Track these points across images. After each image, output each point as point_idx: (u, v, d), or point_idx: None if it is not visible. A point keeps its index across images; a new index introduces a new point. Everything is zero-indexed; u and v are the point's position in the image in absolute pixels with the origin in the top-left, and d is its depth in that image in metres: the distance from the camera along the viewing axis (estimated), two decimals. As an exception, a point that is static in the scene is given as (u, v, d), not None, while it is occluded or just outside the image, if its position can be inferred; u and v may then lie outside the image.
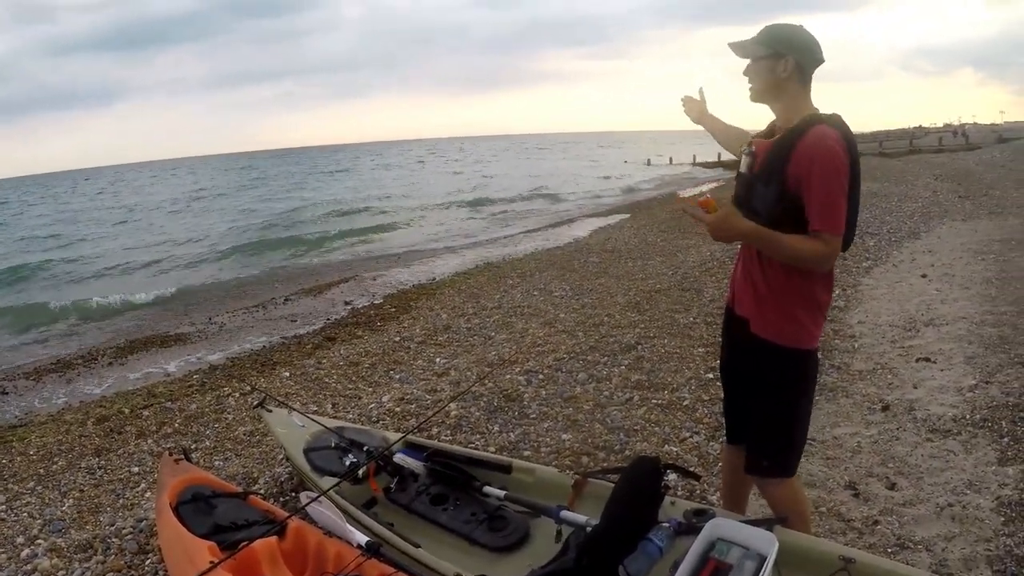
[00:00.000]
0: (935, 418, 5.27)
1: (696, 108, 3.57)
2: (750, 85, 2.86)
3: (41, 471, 6.12)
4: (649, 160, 67.88)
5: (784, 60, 2.75)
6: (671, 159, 63.90)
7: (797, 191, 2.64)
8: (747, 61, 2.87)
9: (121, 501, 5.31)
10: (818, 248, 2.63)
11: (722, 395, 3.46)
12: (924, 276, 9.94)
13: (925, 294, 8.99)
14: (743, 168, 2.90)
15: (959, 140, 59.97)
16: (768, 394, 2.94)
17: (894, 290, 9.37)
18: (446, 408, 6.14)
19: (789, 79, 2.78)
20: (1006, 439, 4.81)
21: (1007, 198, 18.51)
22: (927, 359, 6.52)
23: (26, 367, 10.77)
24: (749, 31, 2.89)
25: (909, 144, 53.99)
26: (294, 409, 5.27)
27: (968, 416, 5.23)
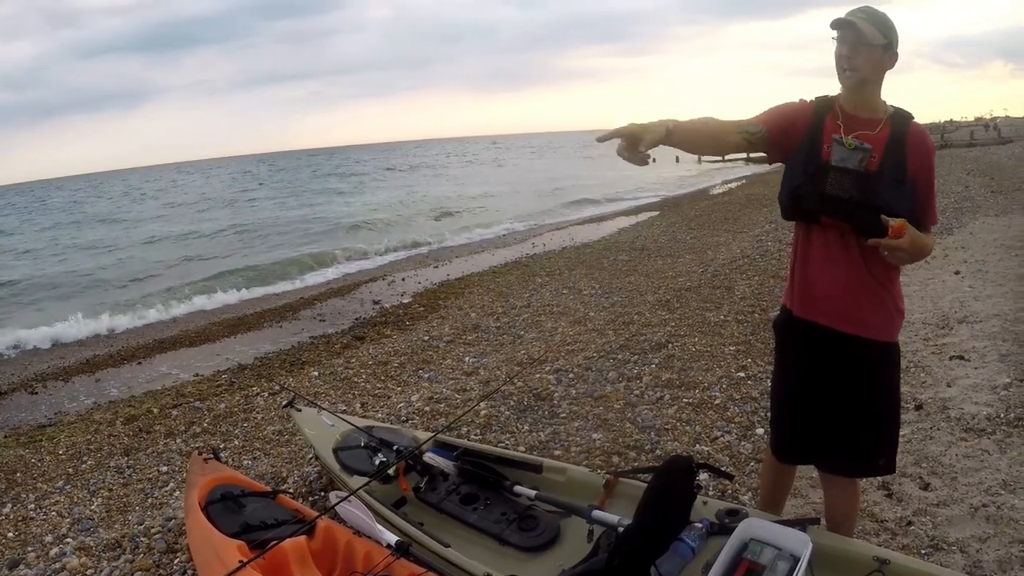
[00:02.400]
0: (969, 417, 5.20)
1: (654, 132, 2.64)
2: (854, 70, 2.69)
3: (70, 471, 6.16)
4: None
5: (892, 52, 2.71)
6: (677, 158, 62.42)
7: (915, 185, 2.66)
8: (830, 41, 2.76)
9: (150, 500, 5.34)
10: (931, 243, 2.73)
11: (782, 416, 3.31)
12: (957, 273, 9.82)
13: (958, 291, 8.88)
14: (852, 164, 2.70)
15: (991, 134, 59.23)
16: (879, 393, 2.92)
17: (926, 287, 9.26)
18: (476, 407, 6.14)
19: (887, 71, 2.76)
20: (1042, 439, 4.75)
21: (1041, 193, 18.28)
22: (960, 357, 6.44)
23: (55, 367, 10.86)
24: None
25: (940, 138, 53.36)
26: (323, 408, 5.28)
27: (1003, 415, 5.16)
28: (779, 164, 2.96)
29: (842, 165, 2.71)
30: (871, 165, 2.68)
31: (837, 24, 2.68)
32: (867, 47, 2.64)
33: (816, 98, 2.89)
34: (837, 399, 2.94)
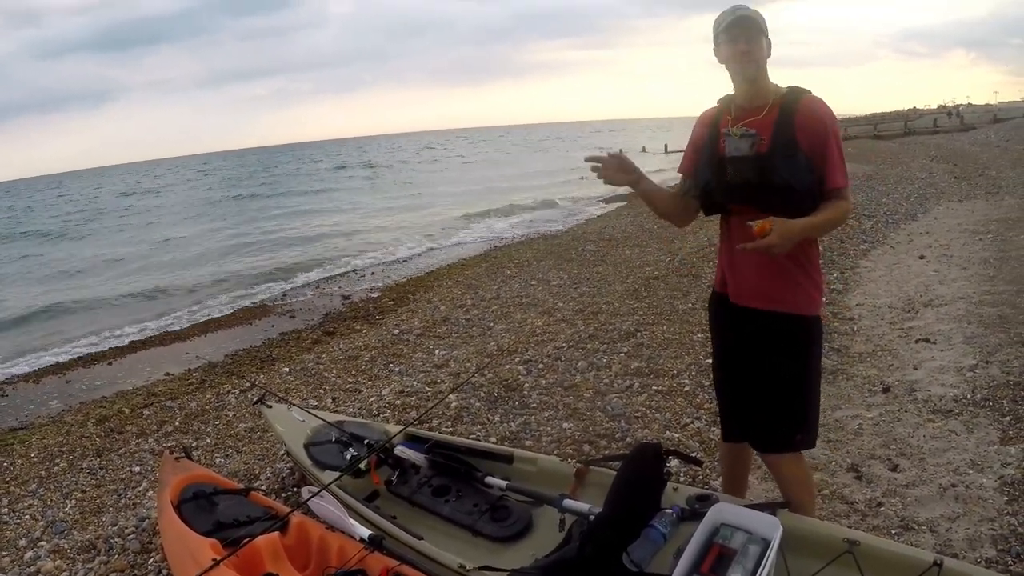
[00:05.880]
0: (936, 399, 5.26)
1: (626, 169, 3.05)
2: (754, 61, 2.78)
3: (42, 473, 6.11)
4: (644, 147, 67.04)
5: (768, 39, 2.81)
6: (666, 147, 62.41)
7: (812, 156, 2.70)
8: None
9: (123, 501, 5.30)
10: (845, 206, 2.76)
11: (717, 394, 3.47)
12: (922, 257, 9.93)
13: (923, 275, 8.97)
14: (743, 151, 2.80)
15: (954, 121, 59.90)
16: (790, 366, 2.92)
17: (892, 272, 9.35)
18: (446, 399, 6.13)
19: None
20: (1007, 418, 4.80)
21: (1003, 178, 18.49)
22: (927, 340, 6.52)
23: (26, 370, 10.77)
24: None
25: (904, 126, 53.96)
26: (294, 404, 5.27)
27: (969, 396, 5.23)
28: None
29: (736, 154, 2.83)
30: (761, 148, 2.77)
31: (734, 22, 2.77)
32: (763, 36, 2.78)
33: (718, 101, 3.03)
34: (750, 372, 3.02)
